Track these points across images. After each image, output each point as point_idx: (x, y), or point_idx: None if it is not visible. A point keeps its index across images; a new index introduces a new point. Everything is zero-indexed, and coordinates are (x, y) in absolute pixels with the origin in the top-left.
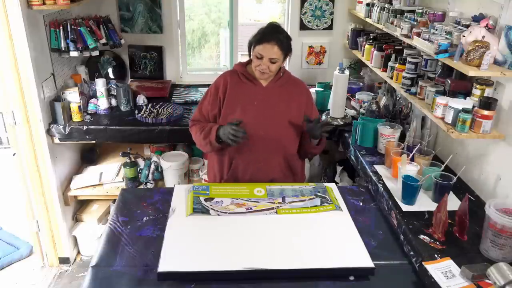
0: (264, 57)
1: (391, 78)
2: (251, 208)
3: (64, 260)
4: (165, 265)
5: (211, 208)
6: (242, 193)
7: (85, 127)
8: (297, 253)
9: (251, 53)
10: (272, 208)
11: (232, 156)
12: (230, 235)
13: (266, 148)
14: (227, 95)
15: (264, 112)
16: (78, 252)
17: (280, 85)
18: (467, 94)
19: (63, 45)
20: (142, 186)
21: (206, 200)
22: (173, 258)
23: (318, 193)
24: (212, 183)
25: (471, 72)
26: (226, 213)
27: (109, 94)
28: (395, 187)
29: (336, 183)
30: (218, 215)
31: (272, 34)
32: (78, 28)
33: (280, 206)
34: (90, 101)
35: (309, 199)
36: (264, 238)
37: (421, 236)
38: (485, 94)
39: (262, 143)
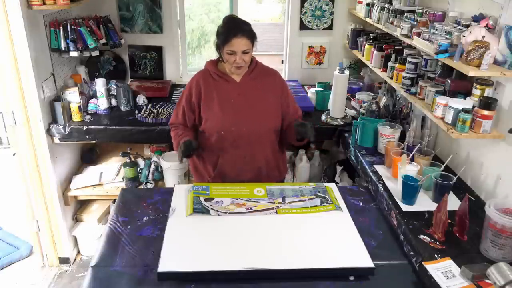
0: (237, 52)
1: (391, 78)
2: (251, 208)
3: (64, 260)
4: (165, 265)
5: (211, 208)
6: (242, 193)
7: (85, 127)
8: (297, 253)
9: (221, 53)
10: (272, 208)
11: (218, 155)
12: (230, 235)
13: (250, 143)
14: (203, 98)
15: (243, 108)
16: (78, 252)
17: (254, 78)
18: (467, 94)
19: (63, 45)
20: (142, 186)
21: (206, 200)
22: (173, 258)
23: (318, 193)
24: (212, 183)
25: (471, 72)
26: (226, 213)
27: (109, 94)
28: (395, 187)
29: (336, 183)
30: (218, 215)
31: (234, 28)
32: (78, 28)
33: (280, 206)
34: (90, 101)
35: (309, 199)
36: (264, 238)
37: (421, 236)
38: (485, 94)
39: (245, 138)
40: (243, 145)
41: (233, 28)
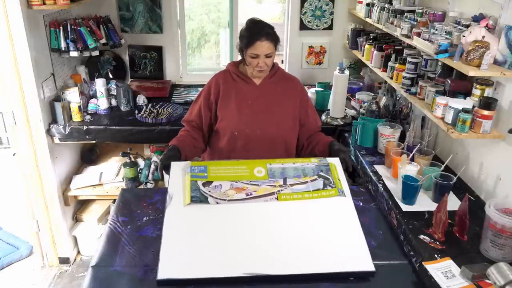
0: (260, 55)
1: (391, 78)
2: (251, 194)
3: (64, 260)
4: (164, 272)
5: (210, 195)
6: (242, 174)
7: (85, 127)
8: (298, 256)
9: (244, 56)
10: (273, 193)
11: (228, 156)
12: (229, 234)
13: (263, 147)
14: (221, 96)
15: (260, 110)
16: (78, 252)
17: (274, 82)
18: (467, 94)
19: (63, 45)
20: (142, 186)
21: (204, 185)
22: (172, 264)
23: (321, 173)
24: (210, 162)
25: (471, 72)
26: (225, 200)
27: (109, 94)
28: (395, 187)
29: None
30: (217, 203)
31: (258, 31)
32: (78, 28)
33: (281, 190)
34: (90, 101)
35: (312, 180)
36: (264, 238)
37: (421, 236)
38: (485, 94)
39: (258, 142)
40: (255, 149)
41: (257, 32)
